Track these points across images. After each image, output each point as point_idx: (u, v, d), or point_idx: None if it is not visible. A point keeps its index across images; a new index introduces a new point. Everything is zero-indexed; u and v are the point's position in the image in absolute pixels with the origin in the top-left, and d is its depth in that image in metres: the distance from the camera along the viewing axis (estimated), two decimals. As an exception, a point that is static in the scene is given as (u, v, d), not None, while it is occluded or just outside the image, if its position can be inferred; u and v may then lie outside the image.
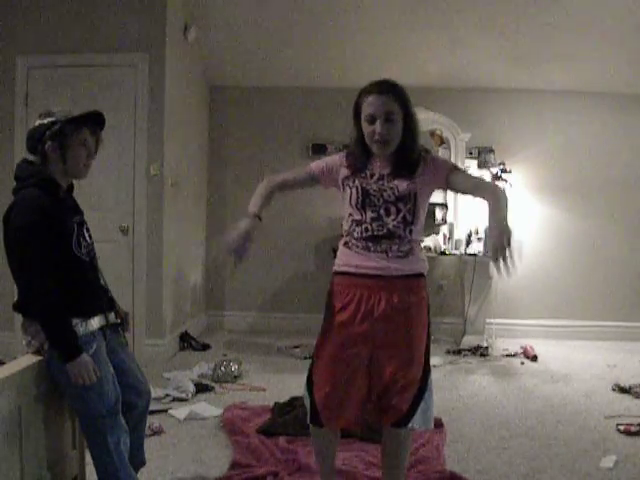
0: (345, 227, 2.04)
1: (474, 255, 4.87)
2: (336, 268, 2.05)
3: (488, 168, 5.20)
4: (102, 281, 2.18)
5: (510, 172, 5.17)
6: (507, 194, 1.95)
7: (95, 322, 2.02)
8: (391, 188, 1.95)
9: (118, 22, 4.23)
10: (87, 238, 2.08)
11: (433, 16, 4.61)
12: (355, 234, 1.99)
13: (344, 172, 2.04)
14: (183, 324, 4.87)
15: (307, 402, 2.04)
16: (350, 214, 2.01)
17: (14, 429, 1.80)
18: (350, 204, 2.00)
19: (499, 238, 1.70)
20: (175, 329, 4.68)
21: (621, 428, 3.08)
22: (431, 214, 5.04)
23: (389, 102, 1.91)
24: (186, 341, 4.77)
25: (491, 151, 5.24)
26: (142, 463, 2.27)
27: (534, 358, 4.59)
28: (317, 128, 5.23)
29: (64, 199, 2.03)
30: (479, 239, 4.97)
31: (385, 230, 1.95)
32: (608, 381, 3.98)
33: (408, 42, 4.87)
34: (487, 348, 4.73)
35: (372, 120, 1.92)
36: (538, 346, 4.83)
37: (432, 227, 5.28)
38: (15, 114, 4.30)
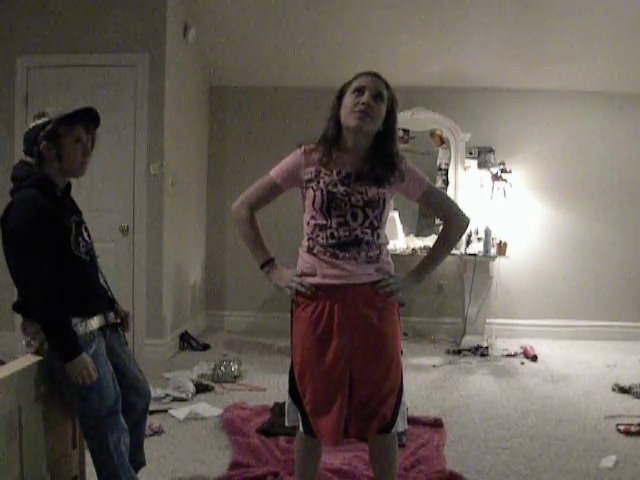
0: (307, 230, 1.92)
1: (474, 255, 4.87)
2: (301, 280, 1.92)
3: (488, 168, 5.20)
4: (102, 281, 2.18)
5: (510, 172, 5.18)
6: (454, 243, 2.05)
7: (95, 322, 2.02)
8: (359, 192, 1.85)
9: (118, 22, 4.23)
10: (86, 237, 2.08)
11: (433, 16, 4.61)
12: (320, 240, 1.88)
13: (307, 172, 1.92)
14: (183, 324, 4.87)
15: (295, 413, 1.97)
16: (313, 217, 1.90)
17: (14, 429, 1.80)
18: (314, 207, 1.88)
19: (393, 285, 1.90)
20: (175, 329, 4.68)
21: (621, 428, 3.08)
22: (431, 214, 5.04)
23: (382, 85, 1.87)
24: (186, 341, 4.77)
25: (491, 151, 5.25)
26: (142, 464, 2.27)
27: (534, 358, 4.59)
28: (317, 128, 5.22)
29: (61, 199, 2.03)
30: (479, 239, 4.97)
31: (353, 236, 1.86)
32: (608, 381, 3.98)
33: (408, 42, 4.87)
34: (487, 348, 4.73)
35: (361, 91, 1.84)
36: (538, 346, 4.83)
37: (432, 227, 5.28)
38: (15, 114, 4.30)
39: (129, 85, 4.26)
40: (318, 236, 1.89)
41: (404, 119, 5.15)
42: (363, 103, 1.83)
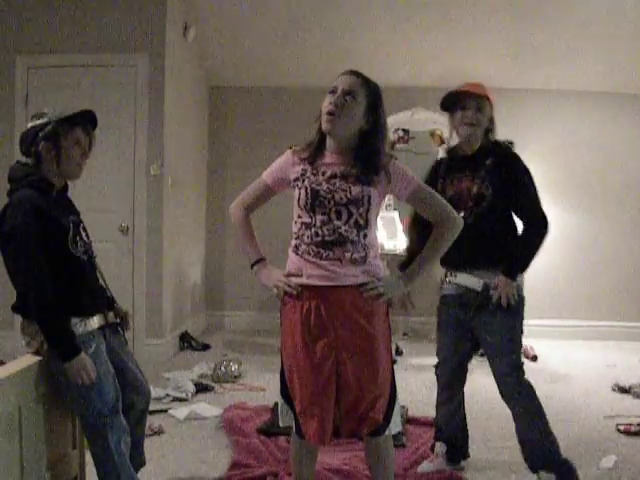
0: (294, 229, 1.92)
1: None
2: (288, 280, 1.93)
3: (488, 168, 5.20)
4: (101, 280, 2.18)
5: (510, 172, 5.17)
6: (447, 244, 1.99)
7: (94, 321, 2.02)
8: (343, 190, 1.84)
9: (118, 22, 4.23)
10: (84, 237, 2.08)
11: (433, 16, 4.62)
12: (305, 238, 1.87)
13: (294, 171, 1.93)
14: (183, 324, 4.87)
15: (289, 413, 1.96)
16: (299, 216, 1.90)
17: (14, 429, 1.80)
18: (299, 205, 1.88)
19: (380, 289, 1.87)
20: (175, 329, 4.68)
21: (621, 428, 3.08)
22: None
23: (356, 82, 1.85)
24: (186, 341, 4.77)
25: (491, 151, 5.24)
26: (142, 463, 2.27)
27: (534, 358, 4.58)
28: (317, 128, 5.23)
29: (58, 199, 2.03)
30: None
31: (337, 235, 1.84)
32: (608, 381, 3.97)
33: (408, 42, 4.87)
34: (487, 348, 4.72)
35: (333, 91, 1.85)
36: (538, 346, 4.82)
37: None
38: (15, 114, 4.31)
39: (129, 85, 4.26)
40: (304, 235, 1.89)
41: (404, 119, 5.14)
42: (330, 103, 1.84)
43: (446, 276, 2.51)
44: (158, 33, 4.24)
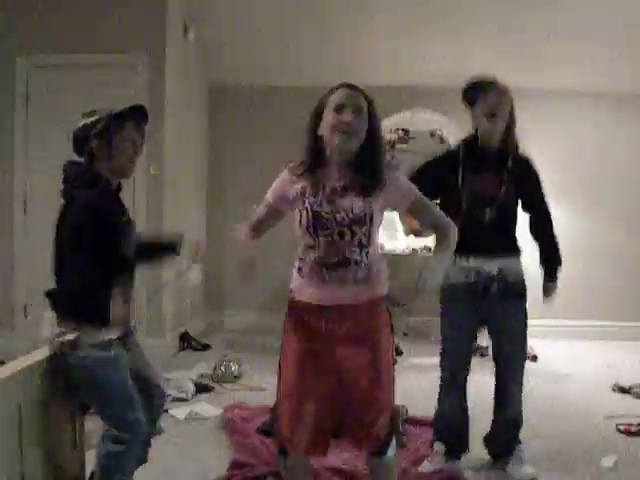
0: (298, 251, 1.91)
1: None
2: (290, 295, 1.96)
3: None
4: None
5: (510, 172, 5.18)
6: (450, 249, 2.03)
7: (115, 332, 1.99)
8: (344, 210, 1.81)
9: (118, 22, 4.23)
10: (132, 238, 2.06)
11: (433, 16, 4.62)
12: (308, 259, 1.86)
13: (294, 189, 1.89)
14: (183, 324, 4.87)
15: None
16: (301, 237, 1.88)
17: (14, 429, 1.80)
18: (300, 226, 1.86)
19: (401, 298, 1.86)
20: (175, 329, 4.68)
21: (621, 428, 3.08)
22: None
23: (360, 98, 1.83)
24: (186, 341, 4.77)
25: (491, 151, 5.24)
26: (144, 460, 2.24)
27: (534, 358, 4.58)
28: (317, 128, 5.23)
29: (118, 200, 2.03)
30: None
31: (341, 257, 1.82)
32: (608, 381, 3.98)
33: (408, 42, 4.87)
34: (487, 348, 4.71)
35: (340, 109, 1.79)
36: (538, 346, 4.82)
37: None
38: (15, 114, 4.31)
39: (129, 85, 4.26)
40: (307, 257, 1.88)
41: (404, 119, 5.14)
42: (346, 123, 1.78)
43: (455, 262, 2.54)
44: (158, 33, 4.25)
